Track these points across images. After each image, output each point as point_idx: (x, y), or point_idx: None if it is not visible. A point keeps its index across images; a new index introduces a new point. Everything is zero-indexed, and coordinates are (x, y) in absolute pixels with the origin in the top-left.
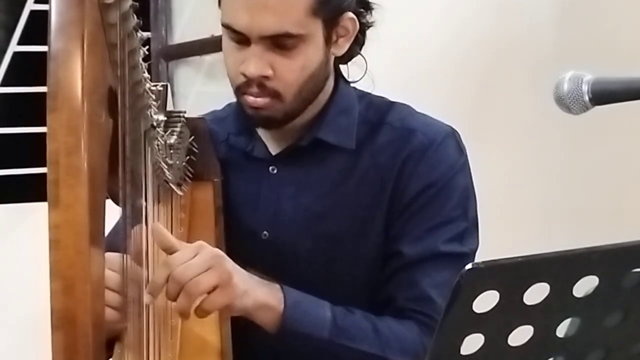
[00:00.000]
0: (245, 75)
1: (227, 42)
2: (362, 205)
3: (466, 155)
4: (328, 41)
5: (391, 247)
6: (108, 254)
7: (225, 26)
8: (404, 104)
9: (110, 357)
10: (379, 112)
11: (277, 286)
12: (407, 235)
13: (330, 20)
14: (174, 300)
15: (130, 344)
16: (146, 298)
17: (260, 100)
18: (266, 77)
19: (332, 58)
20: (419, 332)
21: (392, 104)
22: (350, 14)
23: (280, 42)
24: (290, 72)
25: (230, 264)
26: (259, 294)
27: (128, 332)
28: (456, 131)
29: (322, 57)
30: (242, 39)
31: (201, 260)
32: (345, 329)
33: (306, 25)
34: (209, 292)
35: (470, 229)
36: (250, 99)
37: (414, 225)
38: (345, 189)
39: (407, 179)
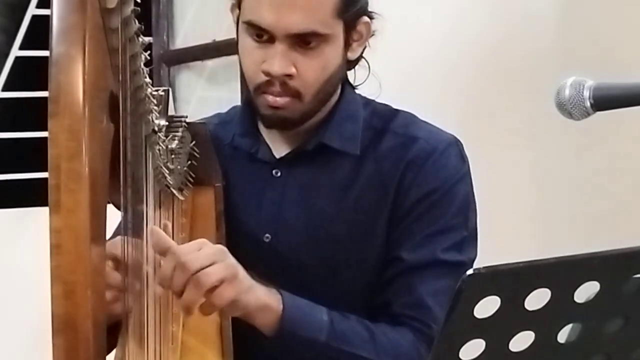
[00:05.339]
0: (268, 74)
1: (246, 41)
2: (365, 211)
3: (468, 165)
4: (346, 44)
5: (391, 253)
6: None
7: (248, 23)
8: (408, 112)
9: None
10: (383, 119)
11: (274, 289)
12: (407, 242)
13: (350, 22)
14: (180, 293)
15: (130, 350)
16: (157, 290)
17: (281, 100)
18: (289, 76)
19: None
20: (413, 339)
21: (397, 111)
22: (366, 18)
23: (305, 41)
24: (312, 71)
25: (233, 259)
26: (261, 293)
27: (129, 338)
28: (459, 140)
29: (341, 59)
30: (266, 37)
31: (207, 253)
32: (342, 333)
33: (332, 25)
34: (215, 287)
35: (469, 238)
36: (270, 98)
37: (414, 232)
38: (348, 194)
39: (409, 185)
